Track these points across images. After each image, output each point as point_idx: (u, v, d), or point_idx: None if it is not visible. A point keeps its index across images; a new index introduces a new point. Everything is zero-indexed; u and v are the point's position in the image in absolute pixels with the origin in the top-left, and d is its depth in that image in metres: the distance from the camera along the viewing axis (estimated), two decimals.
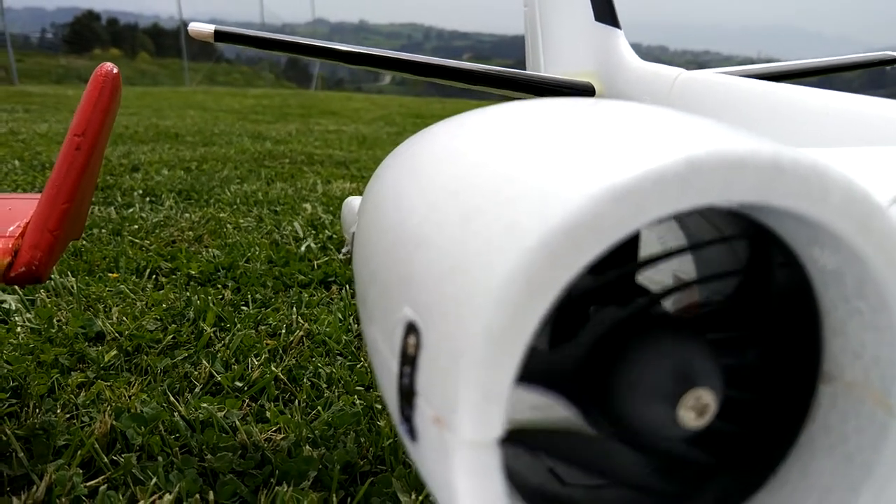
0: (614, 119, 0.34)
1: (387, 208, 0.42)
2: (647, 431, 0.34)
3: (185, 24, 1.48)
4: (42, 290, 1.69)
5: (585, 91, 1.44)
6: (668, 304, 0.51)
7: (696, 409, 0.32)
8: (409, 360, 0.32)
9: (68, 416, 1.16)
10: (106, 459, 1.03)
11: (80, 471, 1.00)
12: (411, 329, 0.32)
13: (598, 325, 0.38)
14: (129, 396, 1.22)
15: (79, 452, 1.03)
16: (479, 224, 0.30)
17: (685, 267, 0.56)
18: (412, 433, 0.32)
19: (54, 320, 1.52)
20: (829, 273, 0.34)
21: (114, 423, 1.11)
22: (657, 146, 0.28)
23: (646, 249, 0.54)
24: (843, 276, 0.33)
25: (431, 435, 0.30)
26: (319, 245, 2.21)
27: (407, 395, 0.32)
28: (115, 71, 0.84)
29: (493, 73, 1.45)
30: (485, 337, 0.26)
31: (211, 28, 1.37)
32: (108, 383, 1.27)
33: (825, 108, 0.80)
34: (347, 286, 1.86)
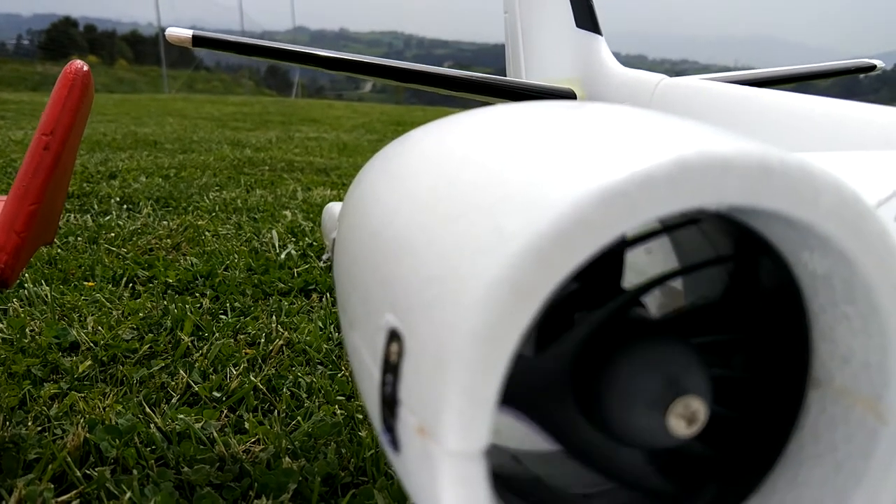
0: (601, 121, 0.34)
1: (369, 213, 0.41)
2: (636, 440, 0.34)
3: (164, 31, 1.46)
4: (15, 299, 1.65)
5: (567, 97, 1.44)
6: (655, 310, 0.50)
7: (686, 417, 0.32)
8: (391, 368, 0.31)
9: (40, 428, 1.13)
10: (79, 473, 1.00)
11: (52, 485, 0.97)
12: (394, 336, 0.31)
13: (583, 331, 0.38)
14: (104, 408, 1.20)
15: (50, 466, 1.00)
16: (464, 228, 0.29)
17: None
18: (395, 443, 0.31)
19: (27, 330, 1.48)
20: (819, 277, 0.33)
21: (87, 435, 1.08)
22: (645, 147, 0.28)
23: (631, 255, 0.53)
24: (832, 279, 0.33)
25: (415, 445, 0.29)
26: (300, 252, 2.19)
27: (389, 404, 0.31)
28: (86, 69, 0.82)
29: (475, 80, 1.45)
30: (470, 343, 0.26)
31: (189, 33, 1.35)
32: (82, 394, 1.24)
33: (807, 113, 0.81)
34: (328, 294, 1.84)
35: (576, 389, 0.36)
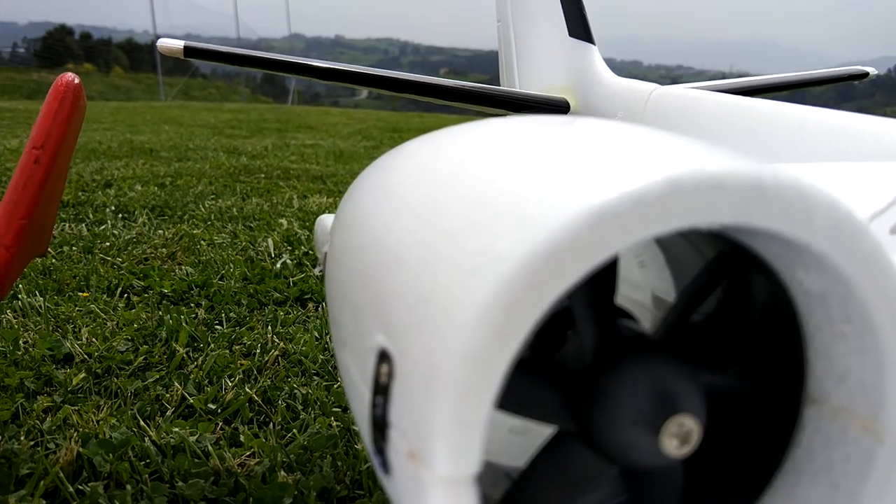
0: (593, 138, 0.34)
1: (360, 228, 0.41)
2: (629, 460, 0.33)
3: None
4: (8, 311, 1.64)
5: (560, 107, 1.44)
6: (648, 325, 0.49)
7: (680, 436, 0.31)
8: (381, 390, 0.31)
9: (33, 443, 1.12)
10: (71, 489, 0.99)
11: (44, 501, 0.96)
12: (384, 357, 0.31)
13: (576, 350, 0.37)
14: (98, 421, 1.19)
15: (42, 482, 0.99)
16: (456, 246, 0.29)
17: (664, 286, 0.55)
18: (385, 466, 0.31)
19: (20, 342, 1.48)
20: (814, 295, 0.33)
21: (80, 449, 1.07)
22: (637, 166, 0.28)
23: (624, 268, 0.53)
24: (827, 298, 0.32)
25: (405, 469, 0.28)
26: (295, 261, 2.19)
27: (380, 426, 0.31)
28: (77, 81, 0.82)
29: (469, 89, 1.45)
30: (461, 365, 0.25)
31: (181, 44, 1.35)
32: (76, 407, 1.23)
33: (801, 123, 0.81)
34: (324, 303, 1.84)
35: (569, 407, 0.36)
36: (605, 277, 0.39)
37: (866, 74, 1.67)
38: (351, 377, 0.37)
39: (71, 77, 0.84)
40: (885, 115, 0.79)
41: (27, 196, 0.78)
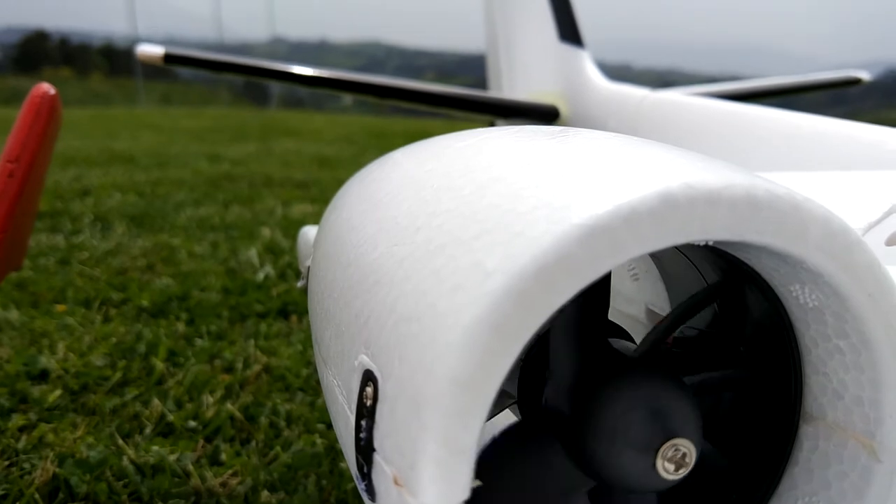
0: (584, 151, 0.33)
1: (343, 243, 0.40)
2: (622, 483, 0.33)
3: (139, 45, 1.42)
4: None
5: (550, 113, 1.43)
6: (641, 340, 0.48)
7: (675, 460, 0.31)
8: (366, 413, 0.30)
9: (7, 463, 1.09)
10: None
11: None
12: (368, 378, 0.30)
13: (566, 374, 0.36)
14: (75, 440, 1.15)
15: None
16: (442, 262, 0.28)
17: (658, 299, 0.54)
18: (371, 493, 0.30)
19: None
20: (810, 310, 0.33)
21: (57, 469, 1.05)
22: (629, 181, 0.27)
23: (617, 282, 0.52)
24: (823, 313, 0.32)
25: (391, 497, 0.27)
26: (278, 272, 2.16)
27: (364, 450, 0.29)
28: (53, 92, 0.80)
29: (456, 96, 1.44)
30: (448, 387, 0.24)
31: (161, 50, 1.32)
32: (52, 426, 1.20)
33: (794, 131, 0.80)
34: (308, 315, 1.81)
35: (560, 429, 0.35)
36: (596, 295, 0.38)
37: (859, 80, 1.68)
38: (335, 398, 0.36)
39: (46, 88, 0.82)
40: (877, 119, 0.78)
41: (1, 211, 0.76)
